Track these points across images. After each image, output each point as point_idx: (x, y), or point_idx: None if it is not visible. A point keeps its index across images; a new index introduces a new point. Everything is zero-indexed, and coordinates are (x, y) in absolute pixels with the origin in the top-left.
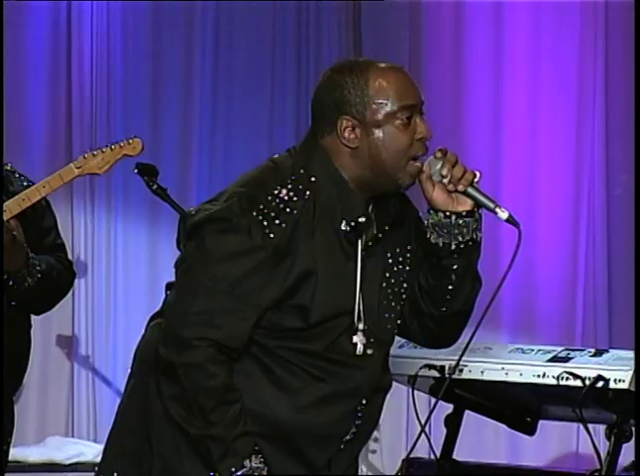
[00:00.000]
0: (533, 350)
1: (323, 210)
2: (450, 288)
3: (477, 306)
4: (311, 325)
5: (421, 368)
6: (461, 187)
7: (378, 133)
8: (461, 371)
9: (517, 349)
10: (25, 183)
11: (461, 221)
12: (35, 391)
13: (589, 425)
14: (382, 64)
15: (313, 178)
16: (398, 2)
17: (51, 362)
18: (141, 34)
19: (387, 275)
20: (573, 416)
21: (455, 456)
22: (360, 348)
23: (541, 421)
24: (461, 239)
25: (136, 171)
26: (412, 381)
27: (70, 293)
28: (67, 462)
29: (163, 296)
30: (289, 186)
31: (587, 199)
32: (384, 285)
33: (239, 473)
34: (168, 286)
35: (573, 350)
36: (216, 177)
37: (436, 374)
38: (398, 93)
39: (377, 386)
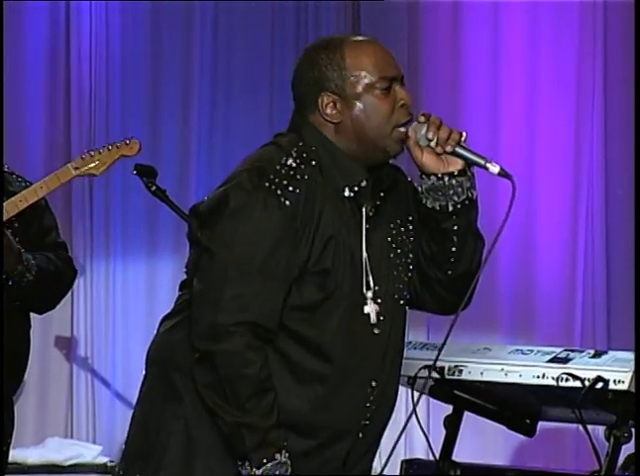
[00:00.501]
0: (532, 351)
1: (327, 177)
2: (453, 250)
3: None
4: (329, 294)
5: (421, 369)
6: (449, 148)
7: (359, 105)
8: (460, 372)
9: (517, 350)
10: (23, 184)
11: (454, 181)
12: (34, 392)
13: (589, 426)
14: (357, 38)
15: (313, 148)
16: (397, 2)
17: (50, 363)
18: (140, 34)
19: (394, 245)
20: (572, 418)
21: (454, 457)
22: (373, 317)
23: (540, 423)
24: (457, 199)
25: (135, 172)
26: (412, 382)
27: (70, 294)
28: (66, 463)
29: (176, 296)
30: (294, 155)
31: (586, 200)
32: (392, 255)
33: (269, 465)
34: (182, 285)
35: (572, 351)
36: (215, 178)
37: (436, 375)
38: (375, 65)
39: (390, 364)
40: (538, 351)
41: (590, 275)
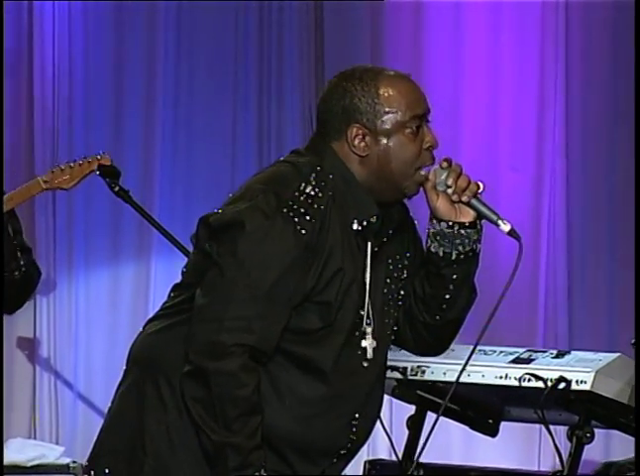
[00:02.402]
0: (495, 352)
1: (339, 208)
2: (447, 297)
3: (477, 317)
4: (328, 324)
5: None
6: (465, 198)
7: (388, 142)
8: (423, 372)
9: (479, 351)
10: None
11: (463, 232)
12: None
13: (551, 427)
14: (392, 73)
15: (330, 176)
16: (360, 3)
17: (12, 364)
18: (103, 34)
19: (388, 281)
20: (535, 418)
21: (421, 458)
22: (370, 353)
23: (503, 423)
24: (461, 249)
25: (97, 172)
26: None
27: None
28: (29, 464)
29: (165, 297)
30: (313, 183)
31: (548, 200)
32: (385, 291)
33: None
34: (175, 287)
35: (535, 352)
36: (179, 178)
37: (398, 375)
38: (409, 103)
39: (373, 398)
40: (501, 352)
41: (552, 275)
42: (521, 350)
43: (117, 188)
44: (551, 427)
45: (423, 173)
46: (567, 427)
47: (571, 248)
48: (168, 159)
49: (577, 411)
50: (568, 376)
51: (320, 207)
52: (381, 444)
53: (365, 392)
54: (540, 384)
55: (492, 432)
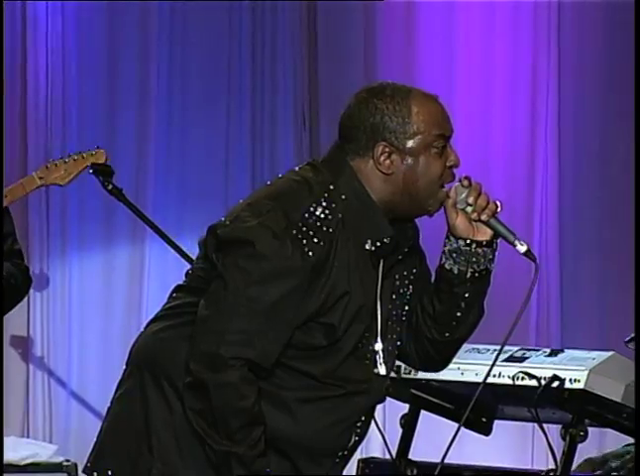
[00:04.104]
0: (489, 350)
1: (352, 229)
2: (458, 315)
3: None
4: (333, 342)
5: None
6: (484, 217)
7: (415, 161)
8: (416, 371)
9: (473, 349)
10: None
11: (480, 250)
12: None
13: (545, 425)
14: (422, 93)
15: (343, 196)
16: (353, 3)
17: (6, 363)
18: (96, 33)
19: (394, 297)
20: (528, 416)
21: (414, 457)
22: (382, 369)
23: (497, 421)
24: (476, 268)
25: (91, 171)
26: None
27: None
28: (22, 463)
29: (166, 299)
30: (324, 204)
31: (540, 199)
32: (390, 306)
33: None
34: (177, 288)
35: (528, 350)
36: (172, 177)
37: (392, 374)
38: (438, 124)
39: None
40: (495, 350)
41: (544, 273)
42: (514, 348)
43: (110, 187)
44: (544, 426)
45: (446, 190)
46: (560, 426)
47: (562, 247)
48: (162, 157)
49: (570, 409)
50: (561, 374)
51: (329, 230)
52: (375, 443)
53: (370, 406)
54: (534, 382)
55: (486, 431)
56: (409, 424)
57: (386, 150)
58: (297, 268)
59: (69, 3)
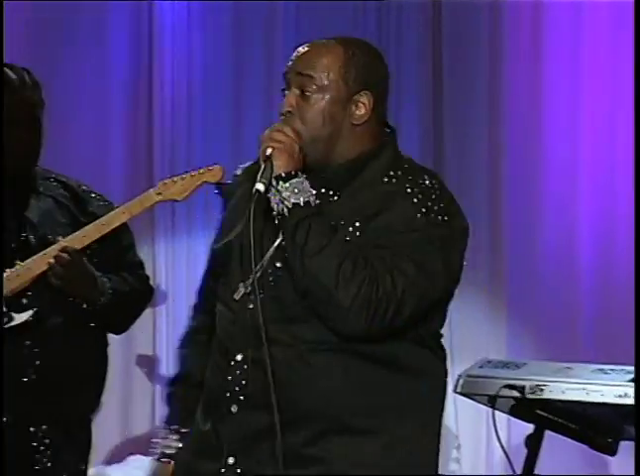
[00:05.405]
0: (614, 370)
1: None
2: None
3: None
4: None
5: (501, 388)
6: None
7: None
8: (541, 391)
9: (599, 369)
10: (101, 203)
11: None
12: (116, 411)
13: None
14: None
15: None
16: (478, 3)
17: (132, 382)
18: (221, 34)
19: None
20: None
21: None
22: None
23: (622, 442)
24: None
25: (216, 192)
26: (492, 401)
27: (151, 313)
28: None
29: None
30: None
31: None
32: None
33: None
34: None
35: None
36: None
37: (516, 394)
38: None
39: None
40: (621, 370)
41: None
42: None
43: None
44: None
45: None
46: None
47: None
48: None
49: None
50: None
51: None
52: (499, 462)
53: (248, 334)
54: None
55: (612, 451)
56: (534, 445)
57: None
58: None
59: (195, 3)
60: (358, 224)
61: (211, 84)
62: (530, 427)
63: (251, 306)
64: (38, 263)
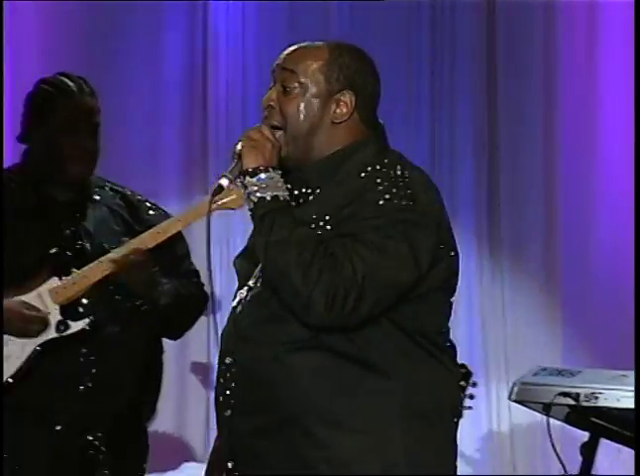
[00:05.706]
0: None
1: None
2: None
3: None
4: None
5: (556, 396)
6: None
7: None
8: (596, 399)
9: None
10: (156, 212)
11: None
12: (171, 418)
13: None
14: None
15: None
16: (533, 2)
17: (186, 389)
18: (276, 34)
19: None
20: None
21: None
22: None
23: None
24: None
25: None
26: (547, 409)
27: (206, 320)
28: None
29: None
30: None
31: None
32: None
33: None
34: None
35: None
36: None
37: (571, 402)
38: None
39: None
40: None
41: None
42: None
43: None
44: None
45: None
46: None
47: None
48: None
49: None
50: None
51: None
52: (554, 472)
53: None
54: None
55: None
56: (589, 453)
57: None
58: None
59: (250, 3)
60: (328, 218)
61: (265, 85)
62: (585, 435)
63: (239, 310)
64: (94, 271)
